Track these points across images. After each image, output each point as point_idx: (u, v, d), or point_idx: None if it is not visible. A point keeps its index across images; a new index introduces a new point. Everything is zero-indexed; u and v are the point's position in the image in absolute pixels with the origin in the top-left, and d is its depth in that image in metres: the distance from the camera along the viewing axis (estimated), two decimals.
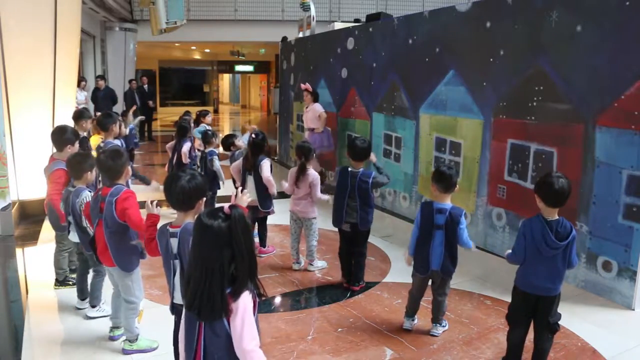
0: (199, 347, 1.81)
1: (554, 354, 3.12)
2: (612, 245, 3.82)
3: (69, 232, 3.60)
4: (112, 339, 3.20)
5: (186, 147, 5.87)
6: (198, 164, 6.17)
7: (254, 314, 1.78)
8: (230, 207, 1.76)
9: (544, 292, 2.74)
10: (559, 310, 2.81)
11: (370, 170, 4.01)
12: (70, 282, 3.93)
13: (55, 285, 3.97)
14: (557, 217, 2.70)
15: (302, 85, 7.46)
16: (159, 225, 2.52)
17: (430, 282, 3.37)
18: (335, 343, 3.26)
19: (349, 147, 4.02)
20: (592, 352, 3.20)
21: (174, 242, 2.35)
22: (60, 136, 3.93)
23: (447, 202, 3.24)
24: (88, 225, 3.25)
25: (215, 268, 1.71)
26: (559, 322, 2.81)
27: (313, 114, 7.27)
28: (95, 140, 6.47)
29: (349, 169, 3.97)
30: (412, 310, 3.48)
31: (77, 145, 4.01)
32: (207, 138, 5.80)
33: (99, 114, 8.30)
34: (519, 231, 2.82)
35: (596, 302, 3.87)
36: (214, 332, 1.77)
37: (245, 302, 1.74)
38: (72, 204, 3.39)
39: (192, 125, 6.41)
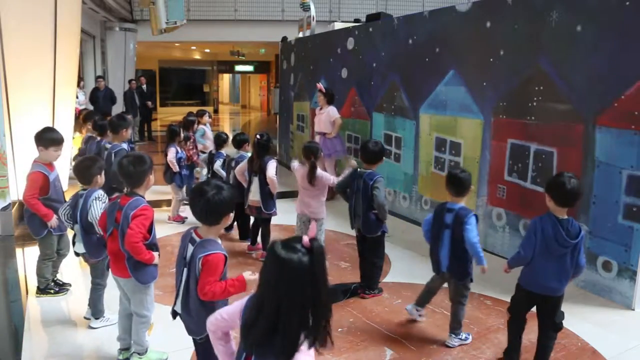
0: None
1: (554, 354, 3.12)
2: (612, 245, 3.82)
3: (74, 243, 3.41)
4: None
5: (171, 154, 5.73)
6: (203, 165, 6.17)
7: None
8: (310, 240, 1.55)
9: (550, 292, 2.75)
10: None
11: (378, 174, 3.85)
12: (52, 291, 3.83)
13: (37, 293, 3.83)
14: (566, 216, 2.71)
15: (318, 85, 7.09)
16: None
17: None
18: (335, 343, 3.25)
19: (361, 149, 3.99)
20: (592, 352, 3.20)
21: (190, 249, 2.32)
22: (39, 135, 3.76)
23: (459, 203, 3.19)
24: (100, 231, 3.09)
25: (295, 308, 1.51)
26: (562, 321, 2.84)
27: (327, 117, 6.87)
28: (77, 141, 6.48)
29: (359, 169, 3.94)
30: (420, 298, 3.48)
31: (51, 151, 3.73)
32: (219, 141, 5.76)
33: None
34: (529, 229, 2.81)
35: (596, 302, 3.87)
36: None
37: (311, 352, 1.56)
38: (81, 209, 3.25)
39: (181, 129, 6.25)
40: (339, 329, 3.45)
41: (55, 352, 3.15)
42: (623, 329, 3.51)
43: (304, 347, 1.52)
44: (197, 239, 2.31)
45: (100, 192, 3.31)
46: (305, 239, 1.54)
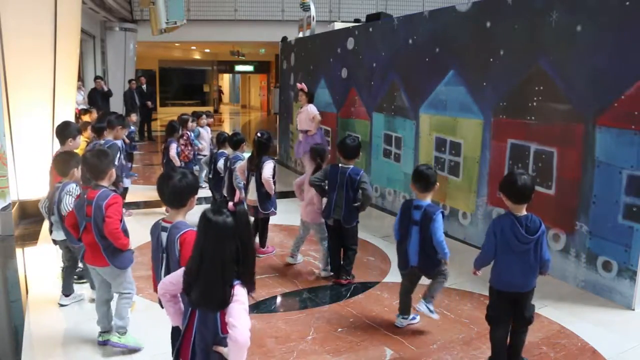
0: (188, 335, 1.91)
1: (554, 354, 3.12)
2: (612, 245, 3.82)
3: (51, 231, 3.63)
4: (102, 343, 3.13)
5: (173, 149, 5.97)
6: (204, 167, 6.22)
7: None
8: (234, 204, 1.85)
9: (519, 288, 2.79)
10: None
11: (361, 169, 4.08)
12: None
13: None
14: (525, 213, 2.76)
15: (299, 85, 7.39)
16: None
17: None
18: (335, 343, 3.26)
19: (339, 145, 4.14)
20: (592, 352, 3.20)
21: (164, 236, 2.43)
22: (63, 130, 4.16)
23: (426, 200, 3.29)
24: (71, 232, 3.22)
25: (222, 261, 1.81)
26: (533, 314, 2.86)
27: (306, 115, 7.13)
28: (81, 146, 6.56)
29: (340, 164, 4.08)
30: (402, 307, 3.49)
31: (78, 139, 4.21)
32: (220, 140, 5.84)
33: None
34: (489, 229, 2.86)
35: (596, 302, 3.87)
36: (204, 323, 1.86)
37: (245, 295, 1.85)
38: (57, 200, 3.46)
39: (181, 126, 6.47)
40: (339, 329, 3.45)
41: (55, 352, 3.15)
42: (623, 329, 3.51)
43: (238, 296, 1.80)
44: (168, 225, 2.43)
45: (72, 186, 3.49)
46: (230, 204, 1.85)
